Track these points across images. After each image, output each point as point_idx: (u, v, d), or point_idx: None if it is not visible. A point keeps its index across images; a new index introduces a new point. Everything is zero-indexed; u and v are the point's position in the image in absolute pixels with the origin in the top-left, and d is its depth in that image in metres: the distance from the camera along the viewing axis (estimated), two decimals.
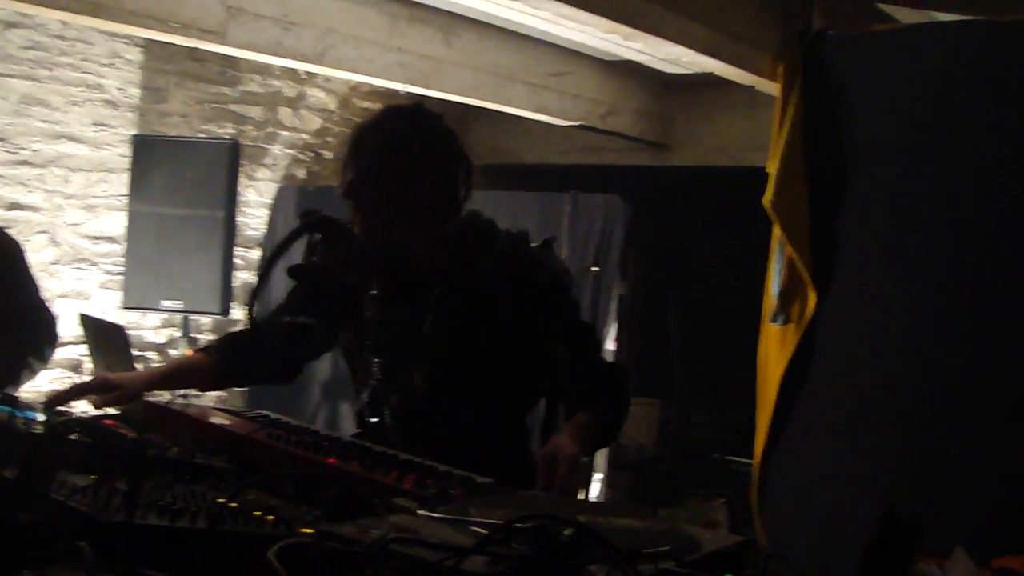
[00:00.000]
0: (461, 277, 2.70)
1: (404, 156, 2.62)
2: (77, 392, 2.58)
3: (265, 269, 2.71)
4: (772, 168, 3.93)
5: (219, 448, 2.32)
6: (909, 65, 3.76)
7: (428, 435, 2.69)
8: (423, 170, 2.64)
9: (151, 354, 6.18)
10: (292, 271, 2.75)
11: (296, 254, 2.81)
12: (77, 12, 4.09)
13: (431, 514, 1.66)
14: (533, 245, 2.81)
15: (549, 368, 2.75)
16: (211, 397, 6.35)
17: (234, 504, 1.71)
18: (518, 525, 1.46)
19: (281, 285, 2.85)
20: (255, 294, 2.69)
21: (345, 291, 2.80)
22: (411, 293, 2.75)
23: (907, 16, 4.74)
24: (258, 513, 1.70)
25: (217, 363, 2.82)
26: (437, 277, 2.72)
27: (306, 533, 1.58)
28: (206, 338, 6.37)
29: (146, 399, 2.68)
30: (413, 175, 2.63)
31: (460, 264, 2.70)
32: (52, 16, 4.88)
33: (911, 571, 2.14)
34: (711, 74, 4.82)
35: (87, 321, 2.92)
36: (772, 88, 4.24)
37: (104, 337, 2.80)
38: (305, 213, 2.74)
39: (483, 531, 1.53)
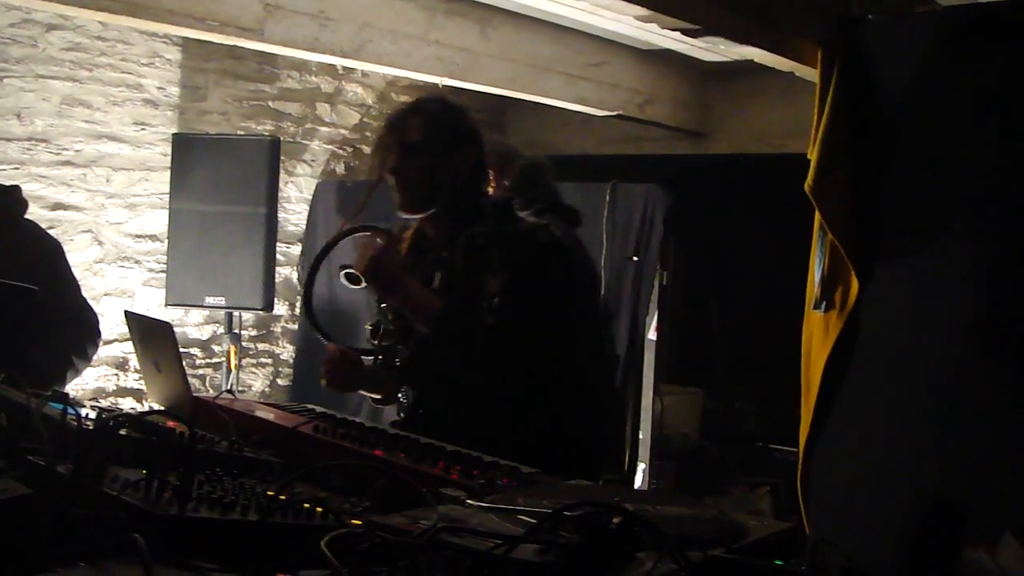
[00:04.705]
0: (468, 252, 2.89)
1: (444, 134, 2.95)
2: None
3: (309, 277, 3.07)
4: (812, 154, 3.90)
5: (266, 442, 2.34)
6: (950, 47, 3.73)
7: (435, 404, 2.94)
8: (460, 145, 2.97)
9: (195, 350, 6.22)
10: (349, 276, 3.07)
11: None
12: (115, 12, 4.12)
13: (480, 504, 1.67)
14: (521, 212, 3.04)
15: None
16: (255, 392, 6.41)
17: (283, 496, 1.72)
18: (567, 513, 1.47)
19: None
20: (308, 302, 3.08)
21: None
22: (427, 255, 3.00)
23: None
24: (307, 505, 1.71)
25: None
26: (446, 241, 2.95)
27: (356, 524, 1.59)
28: (249, 334, 6.42)
29: (194, 394, 2.71)
30: (453, 150, 2.95)
31: (468, 239, 2.89)
32: (91, 17, 4.93)
33: (960, 558, 2.13)
34: (749, 61, 4.79)
35: (132, 318, 2.95)
36: (811, 74, 4.21)
37: (150, 334, 2.82)
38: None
39: (532, 520, 1.54)
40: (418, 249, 3.03)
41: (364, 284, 2.97)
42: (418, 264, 2.99)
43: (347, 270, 3.06)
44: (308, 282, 3.26)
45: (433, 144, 2.93)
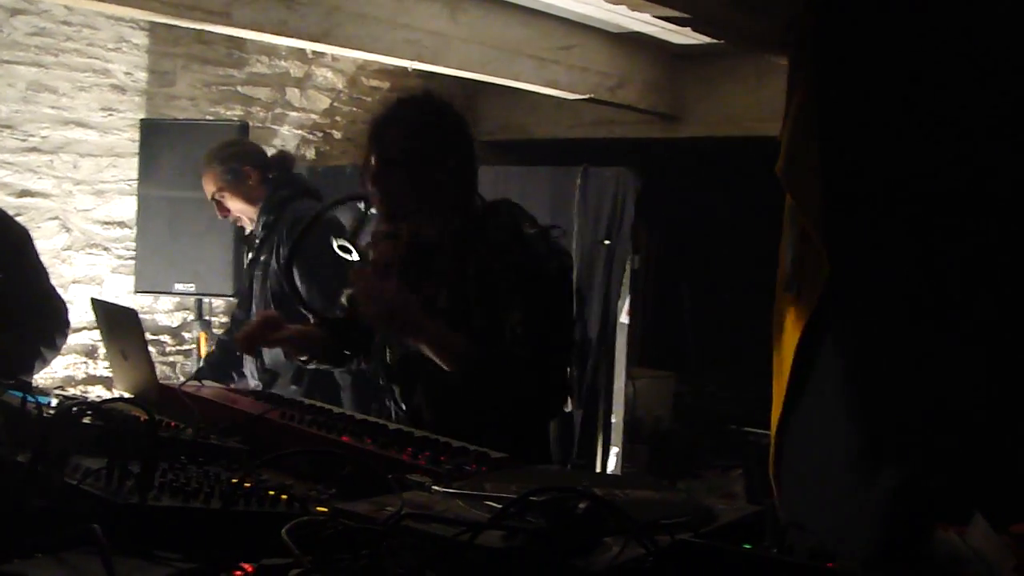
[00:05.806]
0: (464, 256, 2.79)
1: (423, 143, 2.79)
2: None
3: (290, 253, 2.97)
4: (783, 136, 3.89)
5: (233, 429, 2.32)
6: (923, 26, 3.72)
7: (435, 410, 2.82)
8: (442, 156, 2.80)
9: (165, 337, 6.18)
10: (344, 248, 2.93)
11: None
12: None
13: (445, 490, 1.65)
14: (531, 231, 2.82)
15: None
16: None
17: (248, 484, 1.70)
18: (533, 499, 1.45)
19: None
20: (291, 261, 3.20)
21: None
22: (429, 270, 2.86)
23: None
24: (272, 492, 1.69)
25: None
26: (448, 255, 2.83)
27: (320, 511, 1.57)
28: (220, 320, 6.38)
29: (160, 382, 2.69)
30: (433, 161, 2.79)
31: (466, 244, 2.80)
32: (57, 1, 4.87)
33: (930, 539, 2.13)
34: (720, 44, 4.78)
35: (98, 305, 2.92)
36: (781, 57, 4.20)
37: (116, 321, 2.79)
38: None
39: (498, 505, 1.52)
40: (414, 248, 2.91)
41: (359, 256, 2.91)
42: (415, 266, 2.87)
43: (340, 242, 2.93)
44: (289, 256, 3.14)
45: (411, 159, 2.77)
